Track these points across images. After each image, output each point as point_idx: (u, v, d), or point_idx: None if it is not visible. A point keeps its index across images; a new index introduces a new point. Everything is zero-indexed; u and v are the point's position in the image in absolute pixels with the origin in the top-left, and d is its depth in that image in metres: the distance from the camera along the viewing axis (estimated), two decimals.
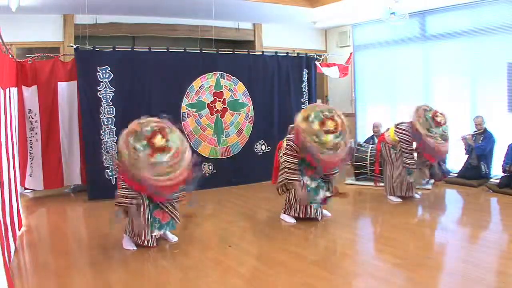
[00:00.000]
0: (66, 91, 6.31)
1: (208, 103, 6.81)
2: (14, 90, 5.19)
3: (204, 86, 6.78)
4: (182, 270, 3.68)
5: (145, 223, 4.07)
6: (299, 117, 4.60)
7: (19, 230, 4.59)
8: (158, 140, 3.79)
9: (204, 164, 6.73)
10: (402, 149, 5.55)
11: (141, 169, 3.74)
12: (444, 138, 5.36)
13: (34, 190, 6.36)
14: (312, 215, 4.83)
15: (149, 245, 4.12)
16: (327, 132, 4.42)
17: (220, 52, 6.99)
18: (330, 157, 4.49)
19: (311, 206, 4.81)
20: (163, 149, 3.79)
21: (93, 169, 6.06)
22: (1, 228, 3.22)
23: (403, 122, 5.68)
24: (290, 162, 4.73)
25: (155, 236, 4.15)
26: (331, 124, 4.46)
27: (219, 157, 6.89)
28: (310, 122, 4.47)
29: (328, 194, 4.91)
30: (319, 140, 4.41)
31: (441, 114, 5.43)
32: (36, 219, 5.46)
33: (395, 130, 5.67)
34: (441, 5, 7.01)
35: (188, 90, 6.65)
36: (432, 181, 6.61)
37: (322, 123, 4.45)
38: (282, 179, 4.83)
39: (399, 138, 5.56)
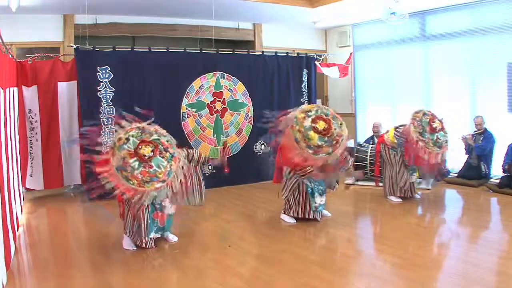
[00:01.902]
0: (66, 91, 6.31)
1: (208, 103, 6.81)
2: (14, 90, 5.20)
3: (204, 86, 6.77)
4: (182, 270, 3.68)
5: (144, 225, 4.06)
6: (300, 109, 4.61)
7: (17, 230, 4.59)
8: (144, 150, 3.75)
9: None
10: (402, 152, 5.55)
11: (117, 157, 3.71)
12: (438, 145, 5.26)
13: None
14: (311, 216, 4.84)
15: (147, 246, 4.12)
16: (315, 130, 4.39)
17: (220, 52, 6.99)
18: (309, 156, 4.42)
19: (309, 207, 4.81)
20: (142, 159, 3.72)
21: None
22: (3, 228, 3.23)
23: (403, 125, 5.68)
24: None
25: (153, 238, 4.15)
26: (323, 124, 4.43)
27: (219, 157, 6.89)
28: (307, 115, 4.48)
29: (324, 198, 4.91)
30: (304, 134, 4.38)
31: (439, 121, 5.38)
32: (36, 219, 5.46)
33: (394, 133, 5.66)
34: (441, 5, 7.00)
35: (188, 90, 6.64)
36: (433, 180, 6.62)
37: (315, 120, 4.44)
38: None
39: (399, 142, 5.55)
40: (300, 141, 4.39)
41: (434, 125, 5.29)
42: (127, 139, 3.78)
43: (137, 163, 3.71)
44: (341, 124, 4.58)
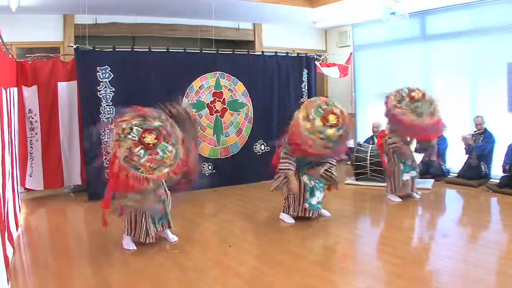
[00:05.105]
0: (66, 91, 6.30)
1: (208, 103, 6.81)
2: (14, 90, 5.20)
3: (204, 86, 6.77)
4: (182, 270, 3.68)
5: (147, 220, 4.09)
6: (299, 116, 4.58)
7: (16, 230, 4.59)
8: (148, 139, 3.81)
9: (203, 164, 6.73)
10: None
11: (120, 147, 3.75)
12: (417, 113, 5.29)
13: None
14: (311, 215, 4.84)
15: (148, 241, 4.11)
16: (331, 126, 4.48)
17: (220, 52, 6.99)
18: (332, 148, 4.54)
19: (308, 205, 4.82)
20: (147, 147, 3.79)
21: (93, 169, 6.06)
22: (5, 228, 3.23)
23: None
24: (284, 153, 4.76)
25: (151, 230, 4.12)
26: (333, 118, 4.53)
27: (219, 157, 6.89)
28: (312, 120, 4.49)
29: (323, 195, 4.92)
30: (324, 136, 4.44)
31: (418, 89, 5.47)
32: (36, 219, 5.46)
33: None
34: (441, 5, 7.01)
35: (188, 90, 6.64)
36: (433, 180, 6.62)
37: (324, 118, 4.50)
38: (277, 175, 4.86)
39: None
40: (326, 143, 4.46)
41: (413, 94, 5.41)
42: (131, 129, 3.82)
43: (142, 151, 3.77)
44: (336, 106, 4.72)
